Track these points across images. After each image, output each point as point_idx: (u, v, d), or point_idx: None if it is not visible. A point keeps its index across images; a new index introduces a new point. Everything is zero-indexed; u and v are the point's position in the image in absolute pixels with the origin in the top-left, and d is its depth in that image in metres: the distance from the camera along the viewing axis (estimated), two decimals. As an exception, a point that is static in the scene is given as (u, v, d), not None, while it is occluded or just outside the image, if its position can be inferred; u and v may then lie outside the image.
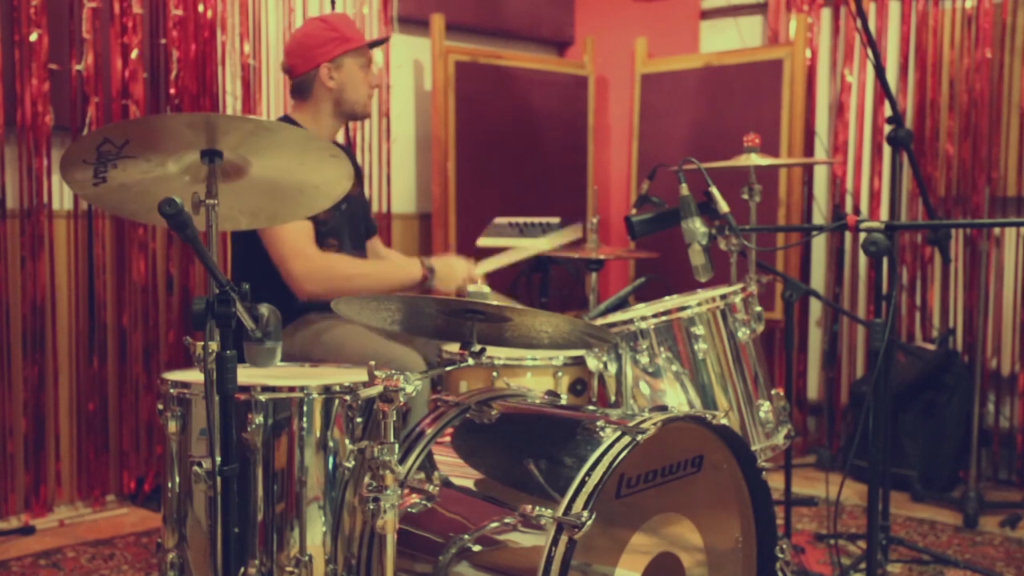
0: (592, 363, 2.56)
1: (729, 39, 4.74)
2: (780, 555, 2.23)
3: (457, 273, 3.03)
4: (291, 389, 2.10)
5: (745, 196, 2.99)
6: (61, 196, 3.56)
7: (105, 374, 3.68)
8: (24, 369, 3.49)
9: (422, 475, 2.15)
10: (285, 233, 2.82)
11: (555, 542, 1.85)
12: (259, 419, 2.06)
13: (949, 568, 3.11)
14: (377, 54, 4.32)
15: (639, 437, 1.95)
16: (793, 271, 4.33)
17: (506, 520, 1.96)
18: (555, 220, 3.90)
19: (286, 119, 3.04)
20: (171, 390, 2.13)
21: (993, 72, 4.01)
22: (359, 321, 2.28)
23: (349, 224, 3.06)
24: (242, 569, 2.06)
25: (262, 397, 2.06)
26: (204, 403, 1.89)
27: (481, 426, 2.20)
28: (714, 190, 2.55)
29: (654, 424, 1.99)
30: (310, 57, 2.99)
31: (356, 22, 3.10)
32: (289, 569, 2.08)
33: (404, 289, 2.99)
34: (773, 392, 2.65)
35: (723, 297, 2.57)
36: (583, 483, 1.90)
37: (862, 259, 4.39)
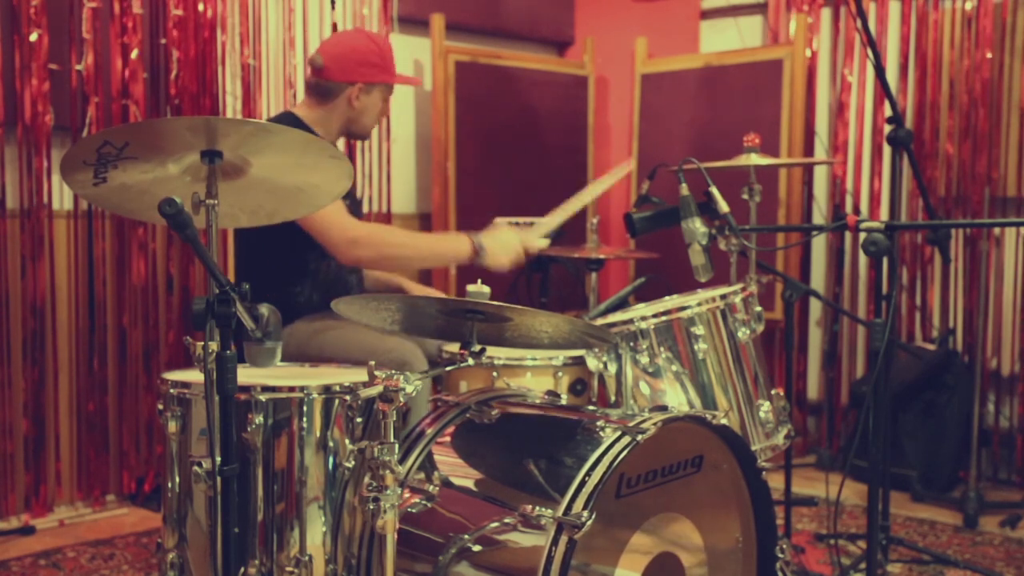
0: (592, 363, 2.56)
1: (729, 39, 4.74)
2: (780, 555, 2.23)
3: (509, 248, 2.92)
4: (291, 389, 2.10)
5: (745, 196, 2.99)
6: (61, 196, 3.56)
7: (105, 374, 3.68)
8: (24, 369, 3.49)
9: (422, 475, 2.15)
10: (321, 210, 2.77)
11: (555, 542, 1.86)
12: (259, 419, 2.06)
13: (949, 568, 3.11)
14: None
15: (639, 437, 1.95)
16: (793, 271, 4.33)
17: (506, 520, 1.96)
18: (555, 220, 3.90)
19: (289, 115, 3.03)
20: (171, 390, 2.13)
21: (993, 72, 4.01)
22: (359, 321, 2.28)
23: (353, 210, 3.06)
24: (242, 569, 2.06)
25: (262, 397, 2.06)
26: (204, 403, 1.89)
27: (481, 426, 2.20)
28: (714, 190, 2.55)
29: (654, 424, 1.99)
30: (350, 70, 2.94)
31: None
32: (289, 569, 2.08)
33: (450, 263, 2.94)
34: (773, 392, 2.65)
35: (723, 297, 2.58)
36: (583, 483, 1.90)
37: (862, 259, 4.39)
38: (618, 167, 3.44)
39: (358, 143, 4.26)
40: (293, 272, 2.93)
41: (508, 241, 2.94)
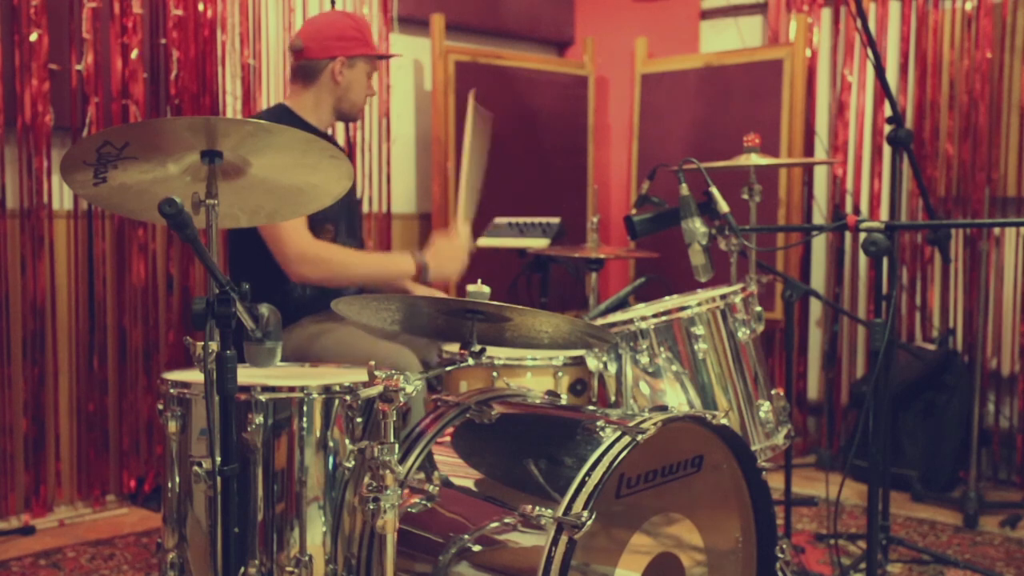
0: (592, 363, 2.56)
1: (729, 39, 4.74)
2: (780, 555, 2.23)
3: (453, 257, 3.00)
4: (291, 389, 2.10)
5: (745, 196, 2.99)
6: (61, 196, 3.56)
7: (105, 374, 3.68)
8: (24, 369, 3.49)
9: (422, 475, 2.15)
10: (280, 223, 2.81)
11: (555, 542, 1.86)
12: (259, 419, 2.06)
13: (949, 568, 3.11)
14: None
15: (639, 437, 1.95)
16: (793, 271, 4.33)
17: (506, 520, 1.96)
18: (555, 220, 3.91)
19: (280, 107, 3.04)
20: (171, 390, 2.14)
21: (993, 72, 4.01)
22: (359, 321, 2.28)
23: (347, 212, 3.07)
24: (242, 569, 2.06)
25: (262, 397, 2.06)
26: (204, 403, 1.89)
27: (481, 426, 2.20)
28: (714, 190, 2.55)
29: (654, 424, 1.99)
30: (328, 46, 2.97)
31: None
32: (289, 569, 2.08)
33: (397, 281, 2.99)
34: (773, 392, 2.65)
35: (723, 297, 2.57)
36: (583, 483, 1.90)
37: (862, 259, 4.39)
38: (470, 115, 3.36)
39: (358, 143, 4.27)
40: (283, 273, 2.93)
41: (449, 251, 3.01)
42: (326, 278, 2.90)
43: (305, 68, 3.00)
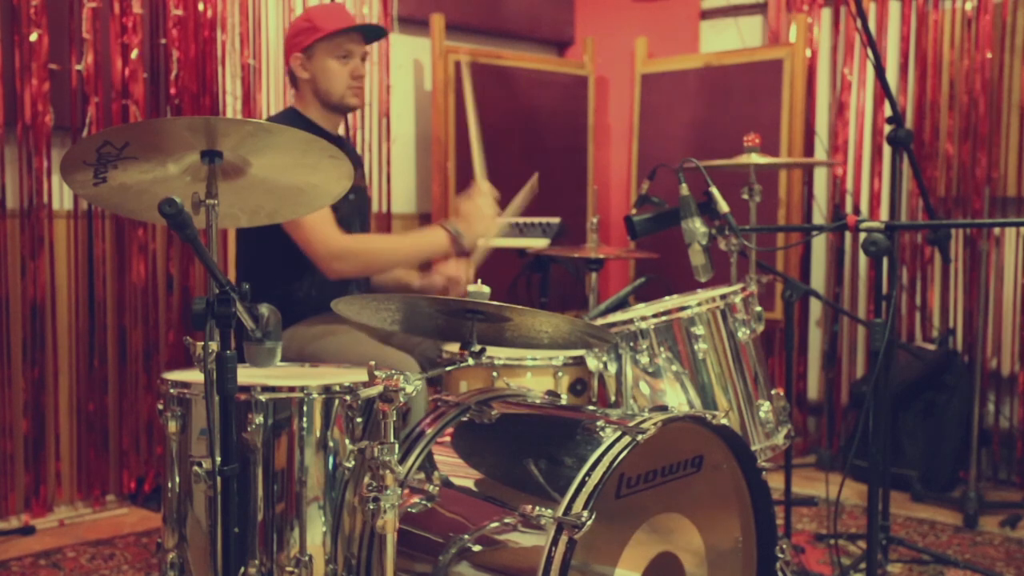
0: (592, 363, 2.56)
1: (729, 39, 4.74)
2: (780, 555, 2.23)
3: (481, 222, 2.98)
4: (291, 389, 2.10)
5: (745, 196, 2.99)
6: (61, 196, 3.56)
7: (105, 374, 3.68)
8: (24, 369, 3.49)
9: (422, 475, 2.15)
10: (307, 219, 2.81)
11: (555, 542, 1.86)
12: (259, 419, 2.06)
13: (949, 568, 3.11)
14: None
15: (639, 437, 1.95)
16: (793, 271, 4.33)
17: (506, 520, 1.96)
18: (555, 220, 3.91)
19: (291, 111, 3.08)
20: (171, 390, 2.13)
21: (993, 72, 4.01)
22: (359, 321, 2.28)
23: (359, 214, 3.08)
24: (242, 569, 2.06)
25: (262, 397, 2.06)
26: (204, 403, 1.89)
27: (481, 426, 2.20)
28: (714, 190, 2.55)
29: (654, 424, 1.99)
30: (287, 48, 3.04)
31: (346, 13, 3.09)
32: (289, 569, 2.08)
33: (434, 256, 2.98)
34: (773, 392, 2.65)
35: (723, 297, 2.57)
36: (583, 483, 1.90)
37: (862, 259, 4.39)
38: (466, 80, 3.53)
39: (358, 143, 4.26)
40: (295, 270, 2.94)
41: (477, 212, 2.98)
42: (363, 268, 2.91)
43: (289, 76, 3.08)
